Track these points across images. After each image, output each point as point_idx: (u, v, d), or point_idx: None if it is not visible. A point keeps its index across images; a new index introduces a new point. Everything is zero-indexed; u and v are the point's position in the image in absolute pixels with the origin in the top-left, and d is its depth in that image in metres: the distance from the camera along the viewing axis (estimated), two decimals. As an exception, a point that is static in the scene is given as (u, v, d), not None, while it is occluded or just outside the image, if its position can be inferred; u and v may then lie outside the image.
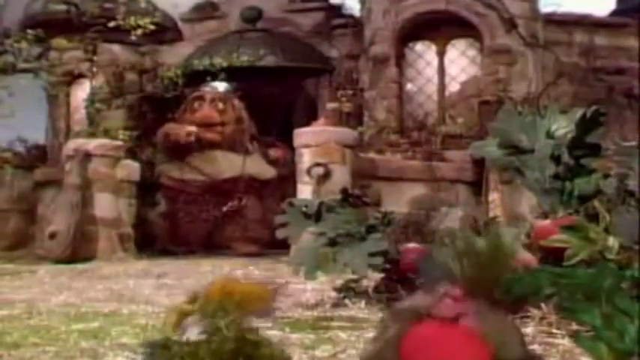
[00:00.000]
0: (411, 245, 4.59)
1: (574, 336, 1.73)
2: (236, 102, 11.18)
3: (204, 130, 10.77)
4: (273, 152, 11.05)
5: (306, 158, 8.73)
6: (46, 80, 11.95)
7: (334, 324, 3.77)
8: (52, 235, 9.11)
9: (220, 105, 11.02)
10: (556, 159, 4.29)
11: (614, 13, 11.93)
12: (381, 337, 1.91)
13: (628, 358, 1.60)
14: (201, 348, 1.95)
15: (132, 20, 10.78)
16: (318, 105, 11.71)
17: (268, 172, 10.95)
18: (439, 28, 10.68)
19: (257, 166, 10.93)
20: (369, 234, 4.34)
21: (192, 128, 10.82)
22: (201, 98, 11.15)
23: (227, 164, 10.86)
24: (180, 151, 10.85)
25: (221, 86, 11.94)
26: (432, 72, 10.86)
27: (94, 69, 11.43)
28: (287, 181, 10.00)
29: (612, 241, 3.64)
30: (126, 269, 7.68)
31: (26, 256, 9.82)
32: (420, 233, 8.62)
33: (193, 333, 2.05)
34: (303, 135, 8.95)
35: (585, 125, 4.18)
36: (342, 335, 3.41)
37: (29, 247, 10.77)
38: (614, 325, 1.61)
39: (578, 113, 4.27)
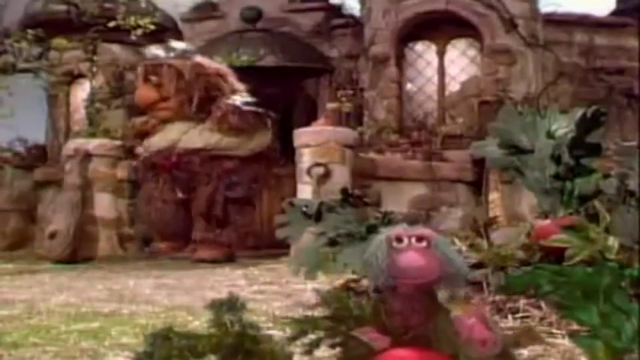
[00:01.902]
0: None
1: (572, 335, 1.74)
2: (172, 70, 9.43)
3: (150, 111, 9.52)
4: (233, 119, 9.20)
5: (306, 158, 8.73)
6: (46, 80, 11.95)
7: (334, 324, 3.76)
8: (52, 235, 9.11)
9: (154, 79, 9.47)
10: (556, 159, 4.29)
11: (614, 13, 11.93)
12: None
13: (624, 356, 1.60)
14: (202, 342, 1.96)
15: (132, 20, 10.78)
16: (318, 105, 11.71)
17: (209, 139, 9.23)
18: (439, 28, 10.68)
19: (197, 135, 9.27)
20: (369, 234, 4.34)
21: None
22: (137, 71, 9.88)
23: (162, 134, 9.39)
24: None
25: (177, 47, 10.12)
26: (432, 72, 10.86)
27: (94, 69, 11.43)
28: (259, 163, 9.46)
29: (612, 241, 3.64)
30: (126, 269, 7.68)
31: (26, 256, 9.82)
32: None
33: None
34: (303, 135, 8.95)
35: (585, 125, 4.18)
36: (342, 335, 3.41)
37: (29, 247, 10.78)
38: (611, 323, 1.61)
39: (578, 113, 4.27)
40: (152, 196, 9.38)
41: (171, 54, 9.82)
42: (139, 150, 9.57)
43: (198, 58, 9.72)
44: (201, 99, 9.32)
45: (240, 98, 9.40)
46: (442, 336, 1.93)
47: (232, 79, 9.61)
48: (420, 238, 1.95)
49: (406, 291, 1.96)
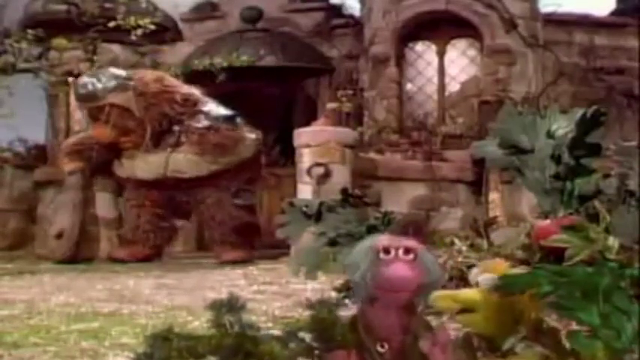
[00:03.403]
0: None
1: (572, 335, 1.74)
2: (118, 99, 8.96)
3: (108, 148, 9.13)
4: (213, 137, 8.88)
5: (306, 158, 8.73)
6: (46, 80, 11.95)
7: (334, 324, 3.76)
8: (59, 235, 9.07)
9: (103, 118, 9.05)
10: (556, 159, 4.28)
11: (614, 13, 11.94)
12: None
13: (624, 357, 1.60)
14: (202, 343, 1.96)
15: (132, 20, 10.77)
16: (318, 105, 11.71)
17: (199, 168, 8.91)
18: (439, 28, 10.69)
19: (184, 163, 8.93)
20: (369, 234, 4.33)
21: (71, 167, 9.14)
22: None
23: (144, 165, 9.09)
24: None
25: (112, 75, 9.20)
26: (432, 72, 10.87)
27: (94, 69, 11.42)
28: (251, 168, 9.26)
29: (612, 241, 3.64)
30: (126, 269, 7.68)
31: (26, 256, 9.81)
32: (420, 233, 8.64)
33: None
34: (303, 135, 8.95)
35: (585, 125, 4.18)
36: (342, 335, 3.40)
37: (29, 247, 10.78)
38: (611, 323, 1.61)
39: (578, 113, 4.26)
40: (140, 211, 9.18)
41: (109, 84, 9.06)
42: (118, 170, 9.28)
43: (139, 80, 9.14)
44: (159, 126, 9.03)
45: (209, 114, 9.08)
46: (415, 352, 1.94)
47: (183, 89, 9.26)
48: (407, 251, 1.93)
49: (387, 303, 1.95)
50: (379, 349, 1.95)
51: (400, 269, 1.89)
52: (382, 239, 1.98)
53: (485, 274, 2.08)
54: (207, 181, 8.96)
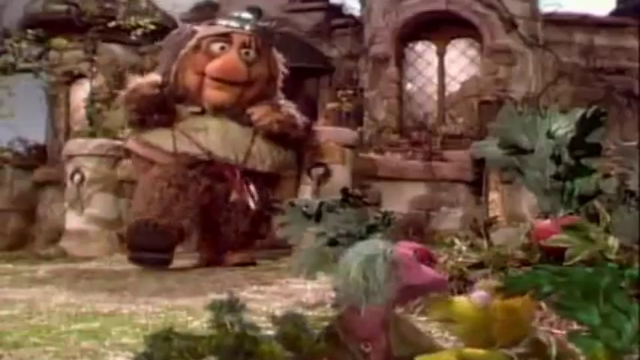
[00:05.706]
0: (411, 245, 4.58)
1: (572, 335, 1.74)
2: (273, 51, 7.88)
3: (214, 85, 7.55)
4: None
5: (306, 158, 8.73)
6: (46, 80, 11.96)
7: (334, 324, 3.76)
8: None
9: (252, 54, 7.62)
10: (556, 159, 4.29)
11: (614, 13, 11.94)
12: None
13: (623, 357, 1.61)
14: (202, 343, 1.96)
15: (132, 20, 10.78)
16: (318, 105, 11.71)
17: (279, 160, 7.87)
18: (439, 28, 10.69)
19: (266, 151, 7.75)
20: (369, 234, 4.34)
21: (157, 78, 7.61)
22: (226, 39, 7.64)
23: (226, 139, 7.58)
24: (148, 114, 7.52)
25: (255, 22, 7.98)
26: (432, 72, 10.87)
27: (94, 69, 11.43)
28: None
29: (612, 241, 3.64)
30: (126, 269, 7.67)
31: (26, 256, 9.81)
32: (420, 233, 8.65)
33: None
34: (303, 135, 8.94)
35: (585, 125, 4.18)
36: (342, 335, 3.41)
37: (29, 247, 10.78)
38: (611, 323, 1.61)
39: (578, 113, 4.27)
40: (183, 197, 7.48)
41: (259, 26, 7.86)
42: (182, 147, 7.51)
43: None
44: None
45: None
46: (403, 340, 1.96)
47: None
48: (423, 257, 2.00)
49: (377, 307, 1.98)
50: (364, 349, 1.97)
51: (430, 272, 1.97)
52: (395, 250, 2.02)
53: (479, 292, 2.09)
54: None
